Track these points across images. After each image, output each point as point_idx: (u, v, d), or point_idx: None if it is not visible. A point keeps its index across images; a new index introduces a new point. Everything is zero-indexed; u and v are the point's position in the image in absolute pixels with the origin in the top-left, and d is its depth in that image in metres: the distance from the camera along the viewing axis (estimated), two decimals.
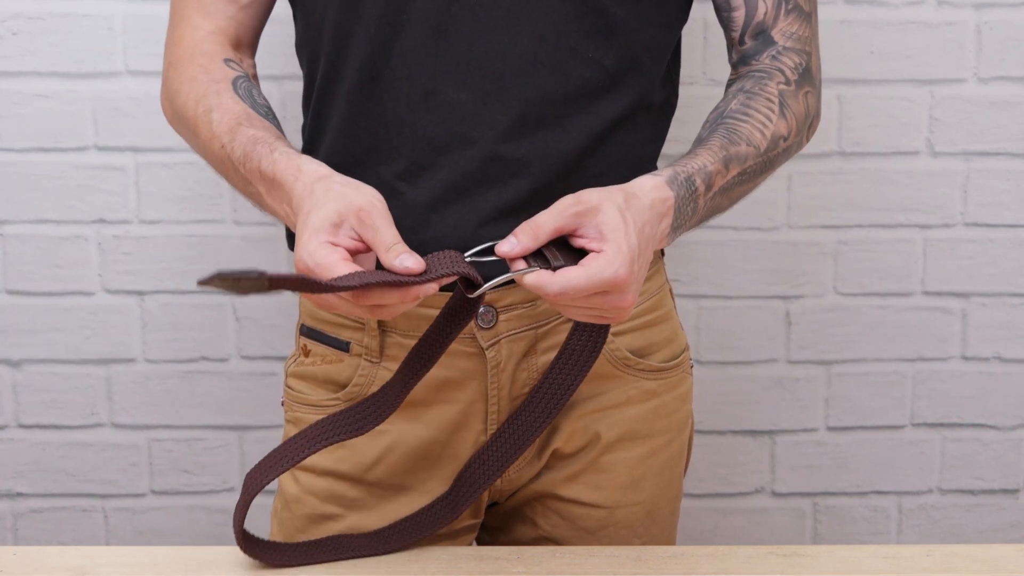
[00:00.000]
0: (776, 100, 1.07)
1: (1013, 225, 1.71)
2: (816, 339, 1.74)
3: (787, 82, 1.08)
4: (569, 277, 0.87)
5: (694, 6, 1.16)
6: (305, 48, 1.12)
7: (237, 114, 1.02)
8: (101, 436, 1.73)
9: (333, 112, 1.08)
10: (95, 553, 1.03)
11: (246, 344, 1.72)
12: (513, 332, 1.08)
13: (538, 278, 0.88)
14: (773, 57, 1.10)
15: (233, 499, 1.75)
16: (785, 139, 1.07)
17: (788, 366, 1.75)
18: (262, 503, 1.72)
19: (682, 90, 1.34)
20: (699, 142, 1.05)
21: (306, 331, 1.16)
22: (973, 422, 1.78)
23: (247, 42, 1.14)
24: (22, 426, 1.73)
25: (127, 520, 1.76)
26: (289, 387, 1.17)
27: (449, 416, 1.11)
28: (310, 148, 1.12)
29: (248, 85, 1.08)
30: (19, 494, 1.75)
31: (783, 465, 1.79)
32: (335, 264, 0.86)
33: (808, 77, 1.10)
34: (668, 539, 1.21)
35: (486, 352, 1.08)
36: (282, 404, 1.19)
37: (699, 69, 1.66)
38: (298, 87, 1.16)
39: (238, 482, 1.75)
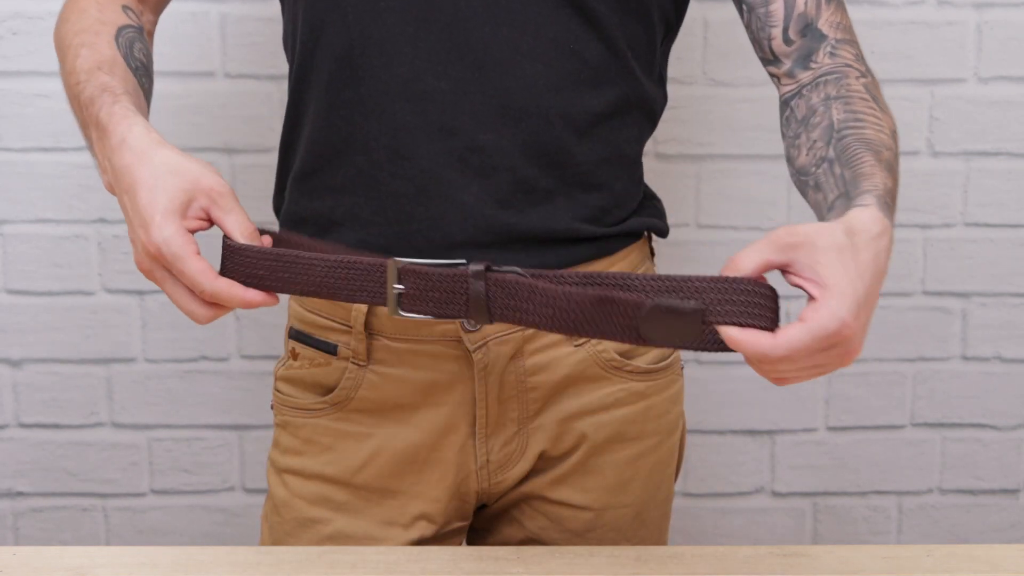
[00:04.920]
0: (868, 96, 1.00)
1: (1013, 225, 1.71)
2: None
3: (862, 74, 1.02)
4: (791, 338, 0.78)
5: (693, 6, 1.15)
6: (287, 40, 1.11)
7: (103, 59, 1.01)
8: (101, 435, 1.73)
9: (311, 102, 1.07)
10: (95, 553, 1.03)
11: (246, 344, 1.72)
12: (500, 335, 1.07)
13: (757, 342, 0.79)
14: (831, 54, 1.03)
15: (233, 499, 1.75)
16: (895, 131, 1.00)
17: None
18: (255, 503, 1.73)
19: (682, 90, 1.35)
20: (843, 162, 0.94)
21: (294, 334, 1.14)
22: (973, 422, 1.78)
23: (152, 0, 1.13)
24: (22, 425, 1.72)
25: (127, 519, 1.76)
26: (278, 390, 1.16)
27: (437, 419, 1.10)
28: (289, 138, 1.11)
29: (133, 37, 1.06)
30: (19, 493, 1.75)
31: (783, 465, 1.78)
32: (189, 257, 0.88)
33: (867, 65, 1.05)
34: (658, 542, 1.20)
35: (473, 355, 1.07)
36: (271, 408, 1.18)
37: (699, 69, 1.65)
38: None
39: (238, 481, 1.75)
